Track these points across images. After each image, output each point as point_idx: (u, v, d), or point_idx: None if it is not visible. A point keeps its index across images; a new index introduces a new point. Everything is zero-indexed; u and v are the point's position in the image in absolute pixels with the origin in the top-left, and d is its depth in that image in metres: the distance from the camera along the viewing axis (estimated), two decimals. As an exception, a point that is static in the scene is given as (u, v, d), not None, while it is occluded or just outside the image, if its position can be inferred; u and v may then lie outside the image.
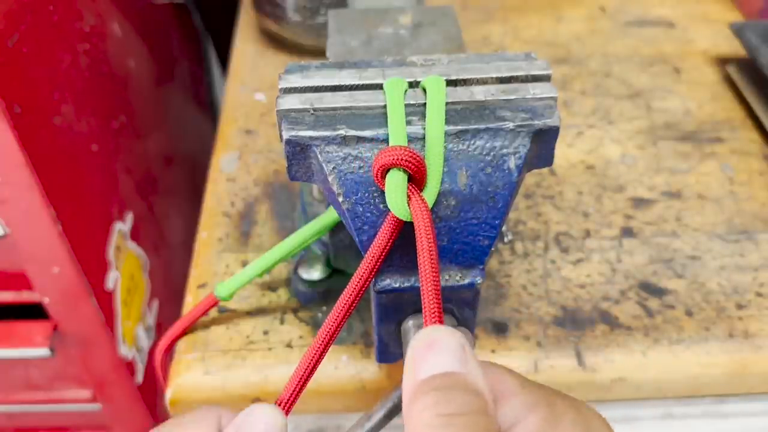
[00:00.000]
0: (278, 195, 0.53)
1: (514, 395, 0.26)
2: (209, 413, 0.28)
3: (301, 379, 0.30)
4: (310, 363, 0.30)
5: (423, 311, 0.28)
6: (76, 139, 0.55)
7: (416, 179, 0.29)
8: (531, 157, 0.32)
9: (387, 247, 0.30)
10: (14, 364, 0.62)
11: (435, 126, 0.30)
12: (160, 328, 0.72)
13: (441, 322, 0.27)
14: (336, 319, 0.30)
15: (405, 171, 0.29)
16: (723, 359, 0.42)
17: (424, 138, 0.31)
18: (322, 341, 0.30)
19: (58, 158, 0.52)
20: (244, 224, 0.50)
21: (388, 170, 0.29)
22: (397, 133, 0.30)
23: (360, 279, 0.30)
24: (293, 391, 0.30)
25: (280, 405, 0.30)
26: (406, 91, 0.32)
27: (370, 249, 0.30)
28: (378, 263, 0.30)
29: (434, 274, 0.28)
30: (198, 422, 0.28)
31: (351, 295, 0.30)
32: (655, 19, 0.73)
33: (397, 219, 0.29)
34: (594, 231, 0.50)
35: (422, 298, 0.28)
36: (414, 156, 0.29)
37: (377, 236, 0.30)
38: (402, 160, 0.29)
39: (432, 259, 0.28)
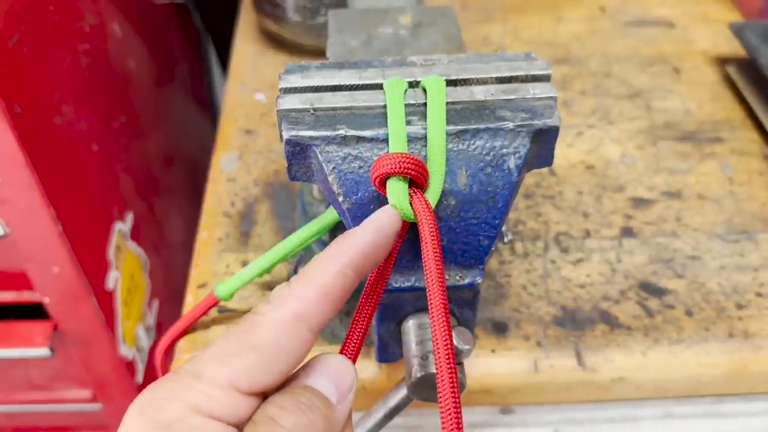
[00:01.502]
0: (278, 195, 0.53)
1: None
2: None
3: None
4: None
5: (429, 312, 0.28)
6: (76, 139, 0.55)
7: (418, 182, 0.29)
8: (531, 157, 0.32)
9: (395, 250, 0.30)
10: (14, 364, 0.62)
11: (436, 126, 0.30)
12: (160, 328, 0.72)
13: (447, 322, 0.27)
14: (360, 329, 0.30)
15: (405, 178, 0.29)
16: (723, 359, 0.42)
17: (424, 138, 0.31)
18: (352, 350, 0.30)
19: (58, 158, 0.52)
20: (244, 224, 0.50)
21: (387, 178, 0.29)
22: (397, 133, 0.30)
23: (373, 284, 0.30)
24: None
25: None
26: (406, 91, 0.32)
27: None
28: (389, 266, 0.30)
29: (440, 275, 0.28)
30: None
31: (369, 302, 0.30)
32: (655, 19, 0.73)
33: (402, 221, 0.29)
34: (594, 231, 0.50)
35: (428, 298, 0.28)
36: (414, 161, 0.28)
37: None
38: (402, 168, 0.28)
39: (437, 260, 0.28)
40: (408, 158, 0.28)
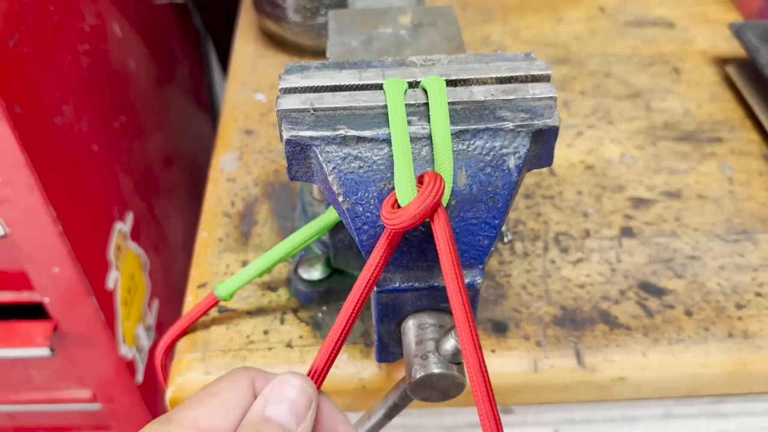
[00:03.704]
0: (278, 195, 0.53)
1: None
2: (242, 377, 0.29)
3: (329, 357, 0.30)
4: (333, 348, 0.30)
5: (454, 317, 0.28)
6: (76, 139, 0.55)
7: None
8: (531, 157, 0.32)
9: (387, 258, 0.30)
10: (14, 364, 0.62)
11: (441, 127, 0.30)
12: (161, 327, 0.72)
13: (474, 327, 0.28)
14: (347, 318, 0.30)
15: None
16: (722, 359, 0.42)
17: (425, 138, 0.31)
18: (336, 338, 0.30)
19: (58, 158, 0.52)
20: (244, 224, 0.50)
21: None
22: (400, 133, 0.30)
23: (367, 280, 0.30)
24: (324, 362, 0.30)
25: (311, 376, 0.30)
26: (405, 91, 0.32)
27: (374, 251, 0.30)
28: (376, 276, 0.30)
29: (459, 278, 0.28)
30: (233, 388, 0.29)
31: (360, 294, 0.30)
32: (655, 19, 0.73)
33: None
34: (594, 231, 0.50)
35: (450, 302, 0.28)
36: (432, 206, 0.28)
37: (379, 241, 0.30)
38: (421, 221, 0.28)
39: (455, 263, 0.28)
40: (426, 209, 0.28)
